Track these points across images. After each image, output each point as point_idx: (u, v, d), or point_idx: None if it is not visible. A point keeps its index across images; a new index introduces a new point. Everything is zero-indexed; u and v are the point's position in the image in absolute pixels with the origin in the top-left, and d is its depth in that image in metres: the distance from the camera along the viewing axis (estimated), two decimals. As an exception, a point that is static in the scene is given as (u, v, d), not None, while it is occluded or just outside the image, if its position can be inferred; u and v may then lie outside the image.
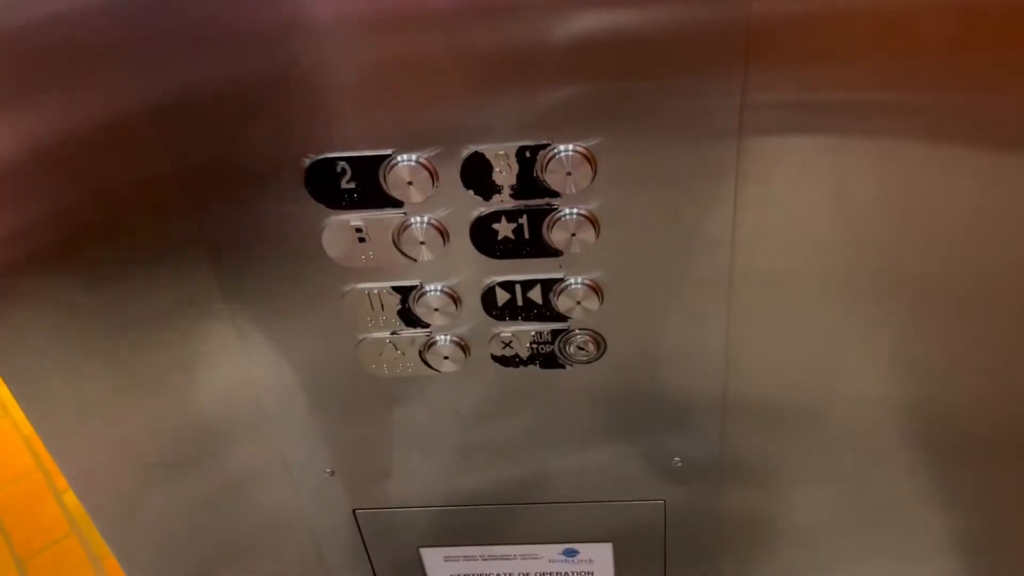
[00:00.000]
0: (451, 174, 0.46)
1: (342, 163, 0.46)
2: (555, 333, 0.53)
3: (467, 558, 0.69)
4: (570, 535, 0.67)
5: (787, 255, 0.50)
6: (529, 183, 0.46)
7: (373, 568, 0.70)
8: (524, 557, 0.69)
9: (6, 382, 0.57)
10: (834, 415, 0.59)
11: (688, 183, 0.47)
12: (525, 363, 0.55)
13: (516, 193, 0.47)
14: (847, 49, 0.42)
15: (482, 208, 0.48)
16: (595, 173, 0.46)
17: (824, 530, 0.67)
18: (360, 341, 0.55)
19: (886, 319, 0.53)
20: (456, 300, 0.52)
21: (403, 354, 0.55)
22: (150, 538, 0.68)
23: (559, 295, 0.51)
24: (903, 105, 0.44)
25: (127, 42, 0.43)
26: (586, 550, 0.68)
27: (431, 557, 0.69)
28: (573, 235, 0.48)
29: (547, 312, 0.52)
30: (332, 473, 0.63)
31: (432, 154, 0.46)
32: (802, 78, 0.43)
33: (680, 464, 0.61)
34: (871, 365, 0.56)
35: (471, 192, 0.47)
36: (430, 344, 0.54)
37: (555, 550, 0.68)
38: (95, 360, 0.57)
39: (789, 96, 0.44)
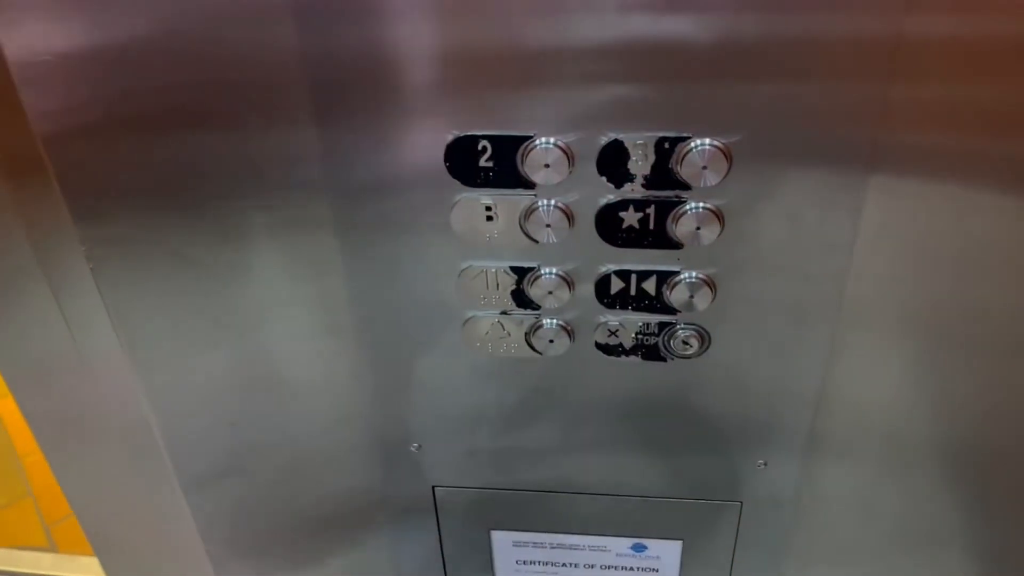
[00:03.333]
0: (587, 160, 0.48)
1: (483, 141, 0.48)
2: (661, 326, 0.55)
3: (536, 544, 0.70)
4: (641, 530, 0.68)
5: (901, 281, 0.52)
6: (663, 174, 0.48)
7: (442, 546, 0.71)
8: (592, 548, 0.70)
9: (115, 324, 0.59)
10: (919, 445, 0.60)
11: (817, 193, 0.48)
12: (627, 353, 0.56)
13: (648, 183, 0.48)
14: (988, 94, 0.44)
15: (611, 196, 0.49)
16: (729, 169, 0.47)
17: (888, 548, 0.68)
18: (469, 319, 0.56)
19: (987, 362, 0.55)
20: (570, 285, 0.53)
21: (509, 334, 0.56)
22: (224, 492, 0.69)
23: (673, 288, 0.52)
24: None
25: (288, 3, 0.45)
26: (655, 546, 0.69)
27: (500, 540, 0.70)
28: (698, 229, 0.49)
29: (658, 304, 0.53)
30: (419, 448, 0.64)
31: (572, 139, 0.47)
32: (942, 112, 0.45)
33: (764, 467, 0.62)
34: (963, 405, 0.57)
35: (604, 179, 0.49)
36: (537, 327, 0.56)
37: (624, 544, 0.69)
38: (201, 315, 0.58)
39: (927, 127, 0.45)
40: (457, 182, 0.50)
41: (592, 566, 0.71)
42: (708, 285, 0.52)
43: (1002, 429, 0.59)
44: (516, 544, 0.70)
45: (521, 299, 0.54)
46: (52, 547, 1.64)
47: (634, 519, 0.67)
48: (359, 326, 0.58)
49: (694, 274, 0.52)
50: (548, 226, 0.50)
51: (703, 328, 0.54)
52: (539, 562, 0.71)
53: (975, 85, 0.44)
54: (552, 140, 0.47)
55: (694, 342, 0.55)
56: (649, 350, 0.56)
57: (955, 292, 0.52)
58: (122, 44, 0.47)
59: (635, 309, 0.54)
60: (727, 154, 0.46)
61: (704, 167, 0.47)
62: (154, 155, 0.51)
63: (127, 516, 0.74)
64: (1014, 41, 0.42)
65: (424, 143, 0.49)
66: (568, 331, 0.56)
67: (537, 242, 0.51)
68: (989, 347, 0.54)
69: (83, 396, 0.65)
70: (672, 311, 0.54)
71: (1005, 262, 0.50)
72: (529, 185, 0.49)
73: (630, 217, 0.50)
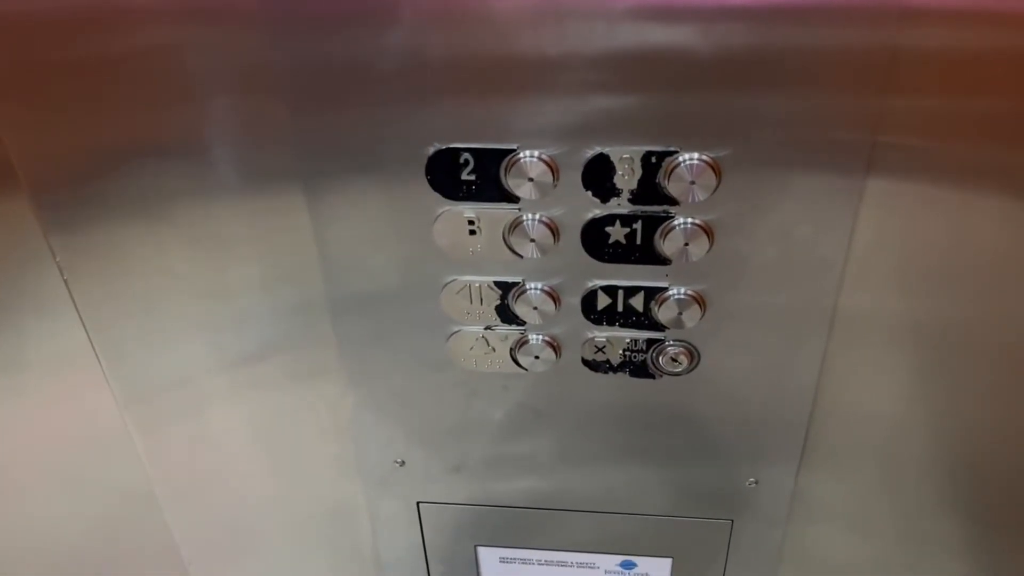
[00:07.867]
0: (572, 174, 0.47)
1: (466, 154, 0.46)
2: (650, 342, 0.53)
3: (523, 561, 0.69)
4: (631, 547, 0.67)
5: (893, 295, 0.50)
6: (649, 189, 0.47)
7: (427, 563, 0.70)
8: (580, 565, 0.69)
9: (90, 334, 0.58)
10: (910, 463, 0.59)
11: (808, 208, 0.47)
12: (615, 370, 0.55)
13: (635, 198, 0.47)
14: (982, 107, 0.43)
15: (597, 210, 0.48)
16: (718, 184, 0.46)
17: (881, 564, 0.67)
18: (453, 333, 0.55)
19: (979, 376, 0.53)
20: (556, 300, 0.52)
21: (494, 350, 0.55)
22: (204, 499, 0.68)
23: (661, 304, 0.51)
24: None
25: (267, 11, 0.43)
26: (644, 563, 0.68)
27: (487, 556, 0.69)
28: (686, 245, 0.48)
29: (646, 320, 0.52)
30: (402, 464, 0.63)
31: (556, 152, 0.46)
32: (937, 125, 0.44)
33: (754, 485, 0.60)
34: (956, 420, 0.56)
35: (589, 193, 0.47)
36: (522, 342, 0.54)
37: (613, 561, 0.68)
38: (188, 328, 0.57)
39: (921, 141, 0.44)
40: (439, 195, 0.48)
41: (580, 583, 0.70)
42: (697, 302, 0.51)
43: (997, 443, 0.57)
44: (503, 560, 0.69)
45: (506, 314, 0.53)
46: None
47: (623, 536, 0.66)
48: (342, 339, 0.56)
49: (683, 290, 0.50)
50: (533, 241, 0.49)
51: (692, 345, 0.53)
52: (527, 578, 0.70)
53: (968, 98, 0.42)
54: (536, 153, 0.46)
55: (683, 359, 0.54)
56: (637, 367, 0.55)
57: (948, 305, 0.51)
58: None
59: (622, 325, 0.53)
60: (716, 169, 0.45)
61: (692, 182, 0.45)
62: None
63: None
64: (1006, 53, 0.41)
65: (406, 155, 0.47)
66: (554, 347, 0.54)
67: (522, 257, 0.50)
68: (983, 360, 0.53)
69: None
70: (660, 328, 0.52)
71: (998, 274, 0.49)
72: (513, 199, 0.48)
73: (616, 232, 0.48)
